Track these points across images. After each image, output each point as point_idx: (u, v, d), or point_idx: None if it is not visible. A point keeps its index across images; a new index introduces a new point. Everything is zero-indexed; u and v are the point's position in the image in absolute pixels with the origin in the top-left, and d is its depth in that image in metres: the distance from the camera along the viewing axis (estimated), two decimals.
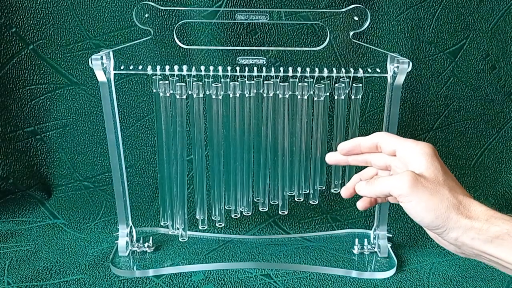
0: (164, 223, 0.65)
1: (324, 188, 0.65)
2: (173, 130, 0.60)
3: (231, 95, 0.59)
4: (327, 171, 0.65)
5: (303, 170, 0.63)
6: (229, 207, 0.65)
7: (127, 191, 0.65)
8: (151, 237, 0.68)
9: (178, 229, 0.65)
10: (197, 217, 0.65)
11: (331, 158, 0.52)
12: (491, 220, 0.40)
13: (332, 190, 0.65)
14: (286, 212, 0.66)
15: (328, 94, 0.60)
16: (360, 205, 0.51)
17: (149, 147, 0.75)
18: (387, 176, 0.45)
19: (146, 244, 0.67)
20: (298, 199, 0.65)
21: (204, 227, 0.65)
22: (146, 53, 0.70)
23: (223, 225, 0.65)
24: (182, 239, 0.65)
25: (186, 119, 0.60)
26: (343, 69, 0.58)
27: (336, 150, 0.52)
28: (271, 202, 0.65)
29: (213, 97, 0.59)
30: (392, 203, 0.76)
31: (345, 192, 0.51)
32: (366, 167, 0.52)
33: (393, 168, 0.48)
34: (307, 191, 0.65)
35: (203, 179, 0.63)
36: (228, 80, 0.59)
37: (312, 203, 0.65)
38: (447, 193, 0.42)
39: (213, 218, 0.65)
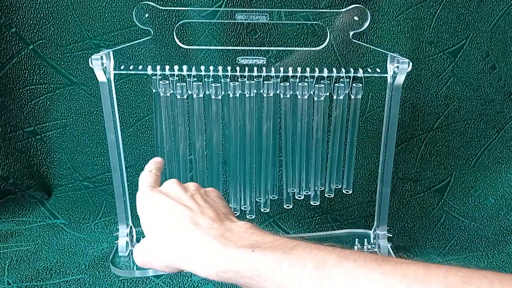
0: None
1: (324, 188, 0.65)
2: (173, 130, 0.60)
3: (231, 95, 0.59)
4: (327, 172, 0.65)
5: (303, 170, 0.63)
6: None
7: (127, 191, 0.65)
8: None
9: None
10: None
11: None
12: None
13: (326, 195, 0.65)
14: (291, 206, 0.66)
15: (328, 94, 0.60)
16: None
17: (149, 147, 0.75)
18: None
19: None
20: (298, 197, 0.65)
21: None
22: (146, 53, 0.70)
23: None
24: None
25: (187, 119, 0.60)
26: (343, 69, 0.58)
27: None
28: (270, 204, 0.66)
29: (213, 97, 0.59)
30: (393, 203, 0.77)
31: None
32: None
33: None
34: (308, 192, 0.65)
35: (204, 178, 0.63)
36: (228, 80, 0.59)
37: (313, 204, 0.65)
38: None
39: None
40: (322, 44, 0.61)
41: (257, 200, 0.65)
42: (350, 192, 0.65)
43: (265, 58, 0.58)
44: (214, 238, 0.40)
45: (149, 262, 0.44)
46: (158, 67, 0.58)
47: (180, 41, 0.62)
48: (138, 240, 0.67)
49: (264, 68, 0.58)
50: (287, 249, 0.37)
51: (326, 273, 0.34)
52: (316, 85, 0.59)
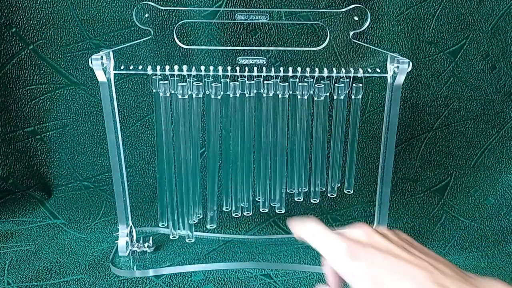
0: (163, 225, 0.65)
1: (324, 189, 0.65)
2: (173, 130, 0.60)
3: (231, 95, 0.59)
4: (327, 172, 0.65)
5: (302, 170, 0.63)
6: (228, 208, 0.65)
7: (127, 191, 0.65)
8: (151, 237, 0.68)
9: (179, 230, 0.65)
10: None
11: None
12: None
13: (329, 195, 0.65)
14: (283, 211, 0.65)
15: (328, 94, 0.60)
16: None
17: (149, 147, 0.75)
18: None
19: (146, 244, 0.67)
20: (298, 199, 0.65)
21: (212, 226, 0.65)
22: (146, 53, 0.70)
23: (214, 226, 0.65)
24: (188, 240, 0.64)
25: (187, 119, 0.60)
26: (343, 69, 0.58)
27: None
28: (271, 204, 0.65)
29: (213, 97, 0.59)
30: (393, 203, 0.77)
31: None
32: None
33: None
34: (307, 191, 0.65)
35: (204, 178, 0.63)
36: (228, 80, 0.59)
37: (313, 201, 0.65)
38: None
39: (210, 215, 0.65)
40: (322, 44, 0.61)
41: (256, 199, 0.65)
42: (352, 192, 0.65)
43: (265, 58, 0.58)
44: None
45: None
46: (158, 67, 0.58)
47: (180, 41, 0.62)
48: (138, 240, 0.67)
49: (264, 68, 0.58)
50: None
51: None
52: (316, 85, 0.59)
